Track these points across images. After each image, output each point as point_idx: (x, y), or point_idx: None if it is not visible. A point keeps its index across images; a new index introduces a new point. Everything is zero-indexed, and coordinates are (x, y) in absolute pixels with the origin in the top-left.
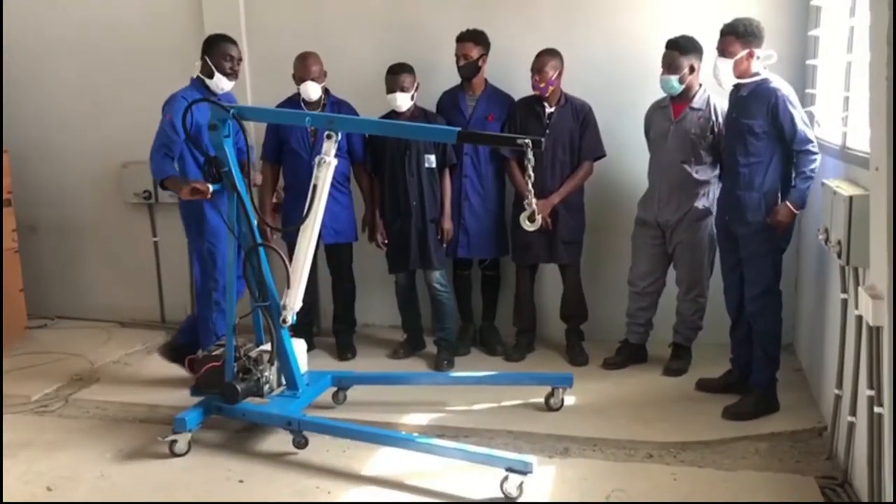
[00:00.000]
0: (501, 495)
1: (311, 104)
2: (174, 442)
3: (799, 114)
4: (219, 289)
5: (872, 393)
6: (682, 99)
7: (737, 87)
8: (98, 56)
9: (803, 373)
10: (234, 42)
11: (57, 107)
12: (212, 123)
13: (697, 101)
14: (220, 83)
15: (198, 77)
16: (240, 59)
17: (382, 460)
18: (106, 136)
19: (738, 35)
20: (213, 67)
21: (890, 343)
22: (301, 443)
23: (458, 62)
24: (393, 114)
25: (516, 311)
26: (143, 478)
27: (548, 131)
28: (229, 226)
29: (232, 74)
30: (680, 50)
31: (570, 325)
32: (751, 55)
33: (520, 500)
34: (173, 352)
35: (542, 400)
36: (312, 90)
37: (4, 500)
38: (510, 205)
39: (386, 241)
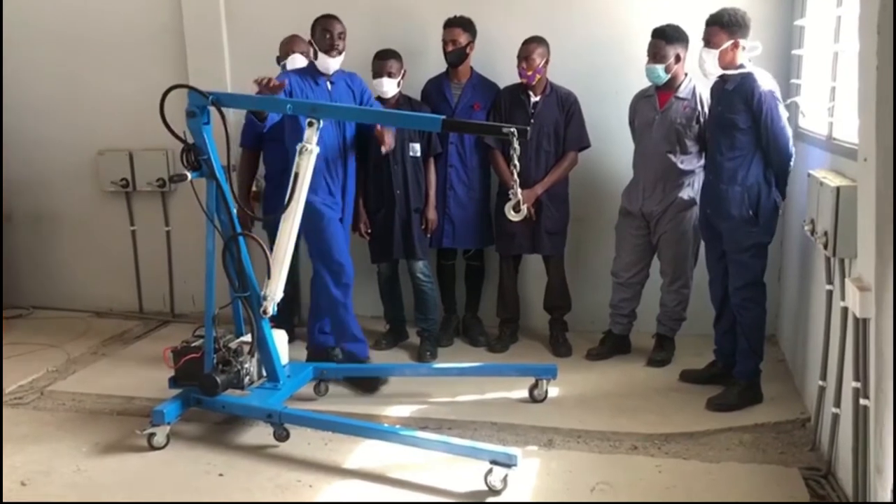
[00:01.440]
0: (486, 488)
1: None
2: (152, 435)
3: (790, 129)
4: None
5: (858, 385)
6: (667, 88)
7: (722, 79)
8: (73, 42)
9: (786, 364)
10: (332, 17)
11: (31, 94)
12: (189, 110)
13: (683, 91)
14: (325, 62)
15: (310, 60)
16: (341, 34)
17: (365, 453)
18: (81, 123)
19: (723, 25)
20: (315, 47)
21: (877, 335)
22: (282, 435)
23: (445, 48)
24: (378, 100)
25: (500, 302)
26: (119, 472)
27: (533, 121)
28: (208, 215)
29: (332, 50)
30: (666, 39)
31: (553, 316)
32: (736, 45)
33: (504, 492)
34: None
35: (525, 391)
36: (299, 61)
37: (5, 500)
38: (495, 195)
39: (369, 231)
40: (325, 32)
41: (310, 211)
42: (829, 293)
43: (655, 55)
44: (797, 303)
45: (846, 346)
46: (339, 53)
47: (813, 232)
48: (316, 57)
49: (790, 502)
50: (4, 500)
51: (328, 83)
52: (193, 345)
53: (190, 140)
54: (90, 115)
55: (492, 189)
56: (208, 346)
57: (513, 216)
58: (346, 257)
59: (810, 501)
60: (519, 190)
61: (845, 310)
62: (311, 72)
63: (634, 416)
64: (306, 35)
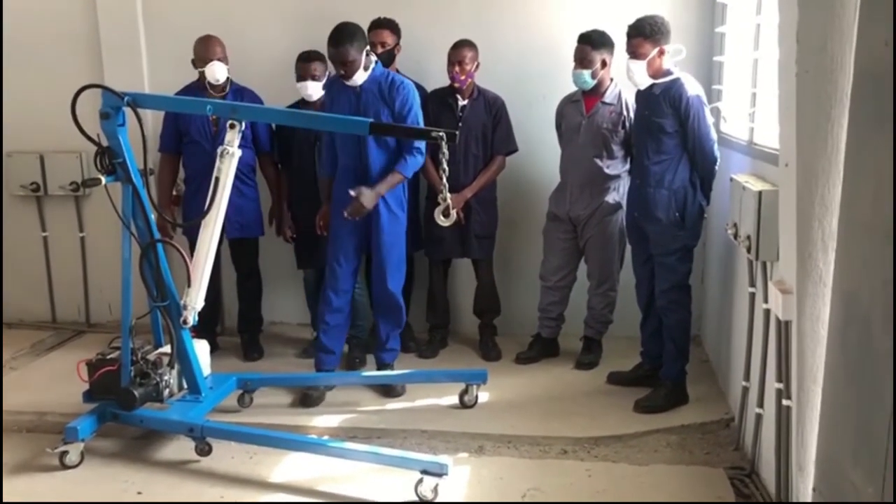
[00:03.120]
0: (416, 498)
1: (215, 90)
2: (65, 453)
3: (715, 134)
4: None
5: (781, 385)
6: (593, 93)
7: (649, 84)
8: None
9: (710, 364)
10: (337, 46)
11: None
12: (103, 111)
13: (609, 96)
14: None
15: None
16: (347, 62)
17: (292, 466)
18: None
19: (646, 36)
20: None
21: (798, 337)
22: (204, 450)
23: (374, 49)
24: (302, 103)
25: (429, 307)
26: (30, 494)
27: (461, 125)
28: (124, 221)
29: (346, 78)
30: (592, 44)
31: (483, 320)
32: (661, 52)
33: (435, 502)
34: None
35: (456, 397)
36: (220, 70)
37: (5, 499)
38: (423, 199)
39: (294, 236)
40: (333, 62)
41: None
42: (752, 295)
43: (582, 60)
44: (720, 305)
45: (769, 348)
46: (353, 75)
47: (736, 235)
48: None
49: (717, 503)
50: (5, 500)
51: (356, 88)
52: (109, 357)
53: (104, 143)
54: None
55: (420, 193)
56: (125, 357)
57: (442, 221)
58: None
59: (735, 501)
60: (448, 194)
61: (768, 312)
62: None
63: (564, 420)
64: (223, 35)
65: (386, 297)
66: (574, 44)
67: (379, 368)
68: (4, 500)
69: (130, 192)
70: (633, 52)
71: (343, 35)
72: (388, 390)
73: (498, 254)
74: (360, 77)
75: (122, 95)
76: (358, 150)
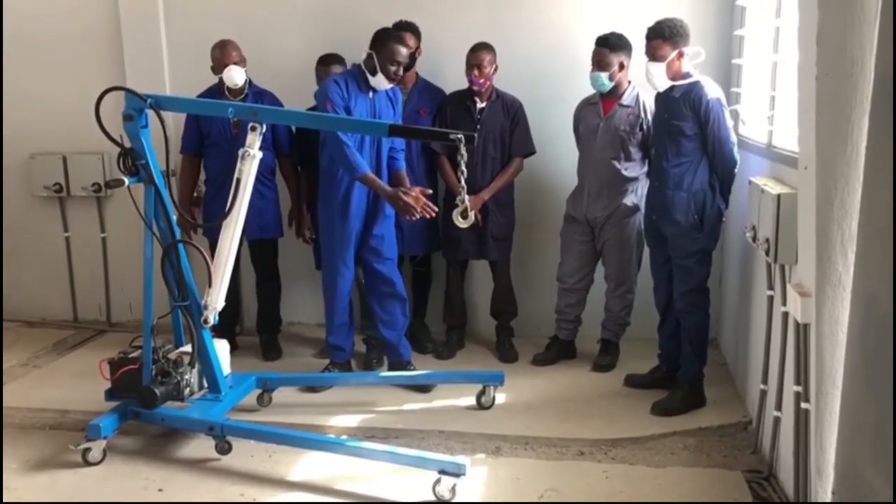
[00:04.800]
0: (434, 498)
1: (233, 93)
2: (87, 450)
3: (735, 137)
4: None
5: (799, 388)
6: (611, 96)
7: (669, 87)
8: (5, 42)
9: (728, 367)
10: (403, 42)
11: None
12: (126, 113)
13: (626, 98)
14: (381, 83)
15: (360, 65)
16: (405, 60)
17: (310, 465)
18: (13, 125)
19: (665, 38)
20: (377, 66)
21: (817, 339)
22: (224, 448)
23: None
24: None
25: (446, 308)
26: (53, 490)
27: (479, 127)
28: (147, 221)
29: (393, 79)
30: (610, 47)
31: (500, 322)
32: (680, 55)
33: (453, 502)
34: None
35: (473, 398)
36: (237, 74)
37: (5, 500)
38: (441, 201)
39: (313, 237)
40: (391, 62)
41: None
42: (770, 298)
43: (599, 63)
44: (738, 307)
45: (787, 351)
46: (398, 81)
47: (754, 238)
48: (374, 73)
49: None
50: (4, 500)
51: (371, 92)
52: (131, 355)
53: (127, 144)
54: (22, 117)
55: (439, 195)
56: (147, 356)
57: (460, 222)
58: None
59: (753, 503)
60: (466, 196)
61: (786, 315)
62: (358, 80)
63: (581, 422)
64: (244, 37)
65: (395, 285)
66: (591, 46)
67: (399, 367)
68: (10, 499)
69: (153, 193)
70: (652, 54)
71: (407, 36)
72: (423, 385)
73: (515, 255)
74: (388, 86)
75: (145, 98)
76: (370, 148)
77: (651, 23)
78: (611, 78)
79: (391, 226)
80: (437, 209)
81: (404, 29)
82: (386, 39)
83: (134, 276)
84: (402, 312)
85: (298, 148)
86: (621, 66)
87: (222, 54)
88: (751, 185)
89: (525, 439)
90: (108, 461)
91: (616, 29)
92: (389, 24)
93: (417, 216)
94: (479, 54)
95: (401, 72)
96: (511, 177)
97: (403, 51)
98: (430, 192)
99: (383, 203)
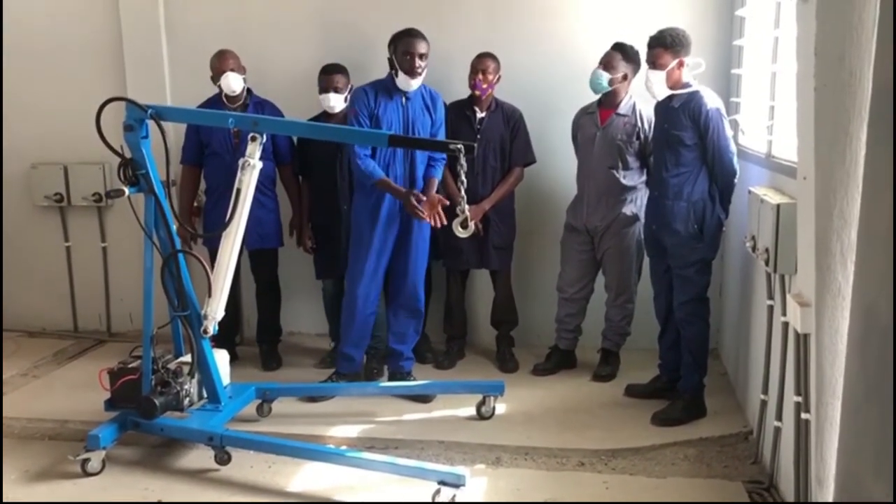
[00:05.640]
0: None
1: (233, 101)
2: (87, 460)
3: (734, 146)
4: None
5: (799, 399)
6: (608, 105)
7: (668, 97)
8: (6, 52)
9: (728, 377)
10: (417, 36)
11: None
12: (127, 124)
13: (623, 108)
14: (406, 82)
15: (390, 73)
16: (423, 55)
17: (310, 475)
18: (14, 135)
19: (666, 46)
20: (397, 65)
21: (817, 350)
22: (223, 459)
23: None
24: (324, 115)
25: (447, 318)
26: (51, 500)
27: (479, 136)
28: (147, 231)
29: (413, 72)
30: (623, 54)
31: (500, 331)
32: (681, 64)
33: None
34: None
35: (473, 408)
36: (234, 81)
37: (5, 500)
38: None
39: (314, 247)
40: (407, 54)
41: None
42: (770, 308)
43: (607, 64)
44: (738, 317)
45: (787, 361)
46: (420, 75)
47: (754, 248)
48: (396, 75)
49: None
50: (4, 500)
51: (403, 98)
52: (131, 366)
53: (127, 154)
54: (23, 127)
55: None
56: (146, 366)
57: (460, 232)
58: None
59: None
60: (466, 206)
61: (786, 325)
62: (388, 86)
63: (581, 432)
64: (244, 47)
65: (416, 301)
66: (593, 56)
67: (400, 377)
68: (7, 500)
69: (153, 203)
70: (653, 62)
71: (419, 31)
72: (423, 396)
73: (515, 265)
74: (420, 81)
75: (146, 108)
76: (403, 157)
77: (651, 33)
78: (610, 82)
79: (424, 241)
80: (445, 220)
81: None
82: (399, 36)
83: (134, 285)
84: (416, 329)
85: (299, 158)
86: (625, 77)
87: (220, 62)
88: (750, 195)
89: (525, 450)
90: (107, 471)
91: (616, 39)
92: (390, 34)
93: (426, 219)
94: (483, 60)
95: (422, 64)
96: (511, 186)
97: (418, 42)
98: (448, 203)
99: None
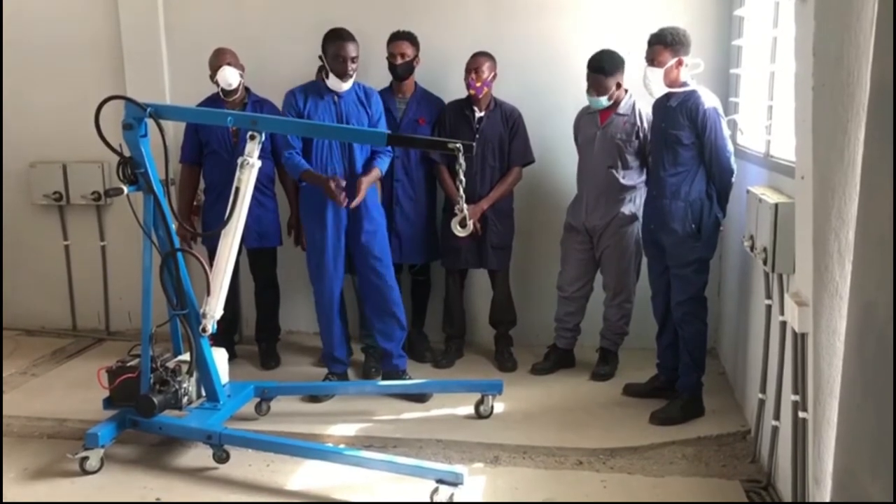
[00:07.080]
0: None
1: (231, 97)
2: (85, 459)
3: (732, 146)
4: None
5: (797, 398)
6: (609, 105)
7: (666, 96)
8: (5, 50)
9: (726, 376)
10: (348, 39)
11: None
12: (126, 122)
13: (623, 107)
14: (337, 84)
15: (320, 74)
16: (354, 58)
17: (308, 474)
18: (12, 133)
19: (666, 44)
20: (327, 68)
21: (814, 349)
22: (222, 457)
23: (393, 61)
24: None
25: (446, 317)
26: (50, 498)
27: (477, 136)
28: (146, 230)
29: (345, 75)
30: (604, 73)
31: (499, 331)
32: (680, 63)
33: None
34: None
35: (471, 407)
36: (230, 74)
37: (5, 500)
38: (440, 209)
39: None
40: (338, 57)
41: None
42: (768, 308)
43: (598, 89)
44: (736, 317)
45: (785, 360)
46: (351, 77)
47: (752, 248)
48: (326, 76)
49: None
50: (4, 500)
51: (334, 97)
52: (129, 364)
53: (126, 153)
54: (22, 126)
55: (437, 204)
56: (145, 365)
57: (459, 231)
58: None
59: None
60: (465, 205)
61: (784, 324)
62: (319, 87)
63: (579, 431)
64: (243, 46)
65: (390, 303)
66: (590, 54)
67: (395, 377)
68: (7, 500)
69: (152, 201)
70: (652, 60)
71: (349, 33)
72: (420, 396)
73: (514, 264)
74: (351, 82)
75: (145, 107)
76: (341, 153)
77: (649, 32)
78: (609, 98)
79: (383, 237)
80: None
81: (402, 38)
82: (328, 40)
83: (133, 284)
84: (400, 325)
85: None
86: (618, 86)
87: (216, 58)
88: (749, 195)
89: (523, 448)
90: (105, 470)
91: (614, 38)
92: (388, 34)
93: (342, 204)
94: (476, 59)
95: (353, 67)
96: (510, 186)
97: (349, 45)
98: (344, 182)
99: (368, 208)
